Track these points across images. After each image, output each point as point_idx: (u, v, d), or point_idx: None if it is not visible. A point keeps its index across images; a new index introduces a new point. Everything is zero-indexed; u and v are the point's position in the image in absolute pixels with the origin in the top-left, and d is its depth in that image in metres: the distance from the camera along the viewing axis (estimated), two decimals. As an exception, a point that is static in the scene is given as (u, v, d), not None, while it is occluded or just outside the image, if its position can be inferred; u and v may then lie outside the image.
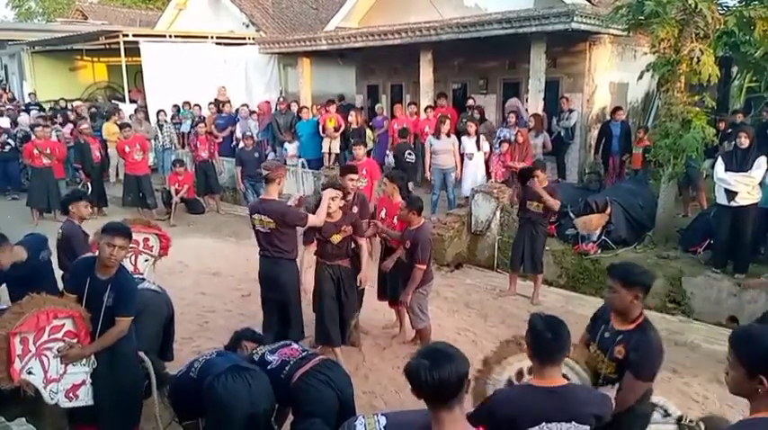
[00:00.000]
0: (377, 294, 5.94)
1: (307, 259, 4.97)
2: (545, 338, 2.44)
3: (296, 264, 5.00)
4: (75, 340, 3.56)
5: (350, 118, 10.98)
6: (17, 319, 3.35)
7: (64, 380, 3.57)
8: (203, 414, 3.41)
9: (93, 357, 3.66)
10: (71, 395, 3.60)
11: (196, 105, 13.14)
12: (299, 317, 5.03)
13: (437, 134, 9.05)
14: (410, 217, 5.06)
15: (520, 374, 3.00)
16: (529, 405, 2.44)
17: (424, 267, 5.02)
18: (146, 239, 4.99)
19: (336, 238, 4.94)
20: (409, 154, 9.25)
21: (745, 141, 6.37)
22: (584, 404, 2.47)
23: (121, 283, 3.61)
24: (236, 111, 12.61)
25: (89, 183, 10.64)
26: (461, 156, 9.06)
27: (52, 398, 3.54)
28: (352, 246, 5.13)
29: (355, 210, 5.56)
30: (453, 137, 9.05)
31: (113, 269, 3.61)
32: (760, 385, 1.86)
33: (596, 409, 2.49)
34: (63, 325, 3.52)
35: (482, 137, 9.22)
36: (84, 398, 3.66)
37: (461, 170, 9.05)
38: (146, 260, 5.07)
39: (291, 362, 3.47)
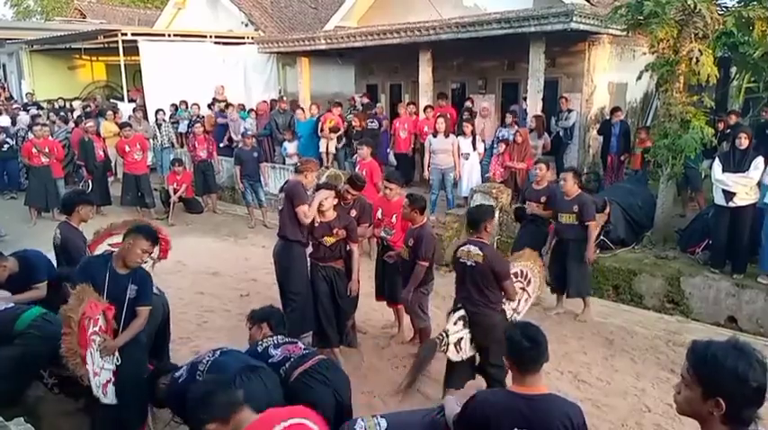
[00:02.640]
0: (375, 294, 5.94)
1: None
2: (524, 347, 2.46)
3: (297, 248, 5.06)
4: (105, 334, 3.59)
5: (353, 121, 10.97)
6: (81, 305, 3.38)
7: (101, 374, 3.59)
8: None
9: (117, 354, 3.68)
10: (104, 391, 3.62)
11: (194, 105, 13.12)
12: (298, 307, 5.02)
13: (436, 133, 9.06)
14: (413, 215, 5.04)
15: None
16: (505, 409, 2.45)
17: (426, 264, 4.95)
18: None
19: (329, 240, 4.94)
20: (371, 122, 9.95)
21: (744, 142, 6.37)
22: (558, 414, 2.44)
23: (142, 275, 3.80)
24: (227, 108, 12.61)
25: (90, 181, 10.62)
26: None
27: (96, 393, 3.52)
28: (347, 248, 5.11)
29: (353, 213, 5.56)
30: (452, 136, 9.06)
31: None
32: (715, 408, 1.71)
33: (568, 421, 2.44)
34: (98, 318, 3.57)
35: (478, 137, 9.22)
36: (110, 397, 3.64)
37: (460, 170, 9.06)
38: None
39: (292, 359, 3.49)
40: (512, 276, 4.47)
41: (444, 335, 4.32)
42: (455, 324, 4.35)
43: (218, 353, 3.48)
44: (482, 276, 4.22)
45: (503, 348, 2.63)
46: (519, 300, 4.80)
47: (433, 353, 4.43)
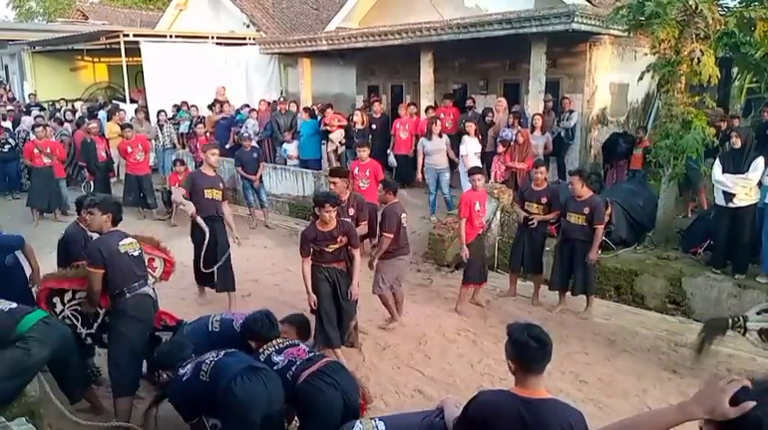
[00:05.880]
0: None
1: (306, 270, 4.97)
2: (531, 348, 2.43)
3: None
4: None
5: (355, 117, 10.96)
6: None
7: None
8: (210, 412, 3.40)
9: None
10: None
11: (193, 106, 13.12)
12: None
13: (429, 135, 9.10)
14: (387, 197, 5.71)
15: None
16: (504, 411, 2.43)
17: (391, 235, 5.58)
18: (151, 260, 4.95)
19: (332, 248, 4.97)
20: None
21: (737, 141, 6.39)
22: (558, 419, 2.39)
23: None
24: (237, 111, 12.64)
25: (92, 182, 10.64)
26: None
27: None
28: (348, 249, 5.11)
29: (352, 211, 5.57)
30: (445, 137, 9.13)
31: None
32: None
33: (568, 427, 2.38)
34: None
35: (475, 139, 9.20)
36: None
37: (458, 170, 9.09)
38: None
39: (298, 363, 3.48)
40: None
41: (742, 319, 4.67)
42: (759, 313, 4.71)
43: (222, 353, 3.48)
44: None
45: None
46: None
47: (721, 332, 4.81)
